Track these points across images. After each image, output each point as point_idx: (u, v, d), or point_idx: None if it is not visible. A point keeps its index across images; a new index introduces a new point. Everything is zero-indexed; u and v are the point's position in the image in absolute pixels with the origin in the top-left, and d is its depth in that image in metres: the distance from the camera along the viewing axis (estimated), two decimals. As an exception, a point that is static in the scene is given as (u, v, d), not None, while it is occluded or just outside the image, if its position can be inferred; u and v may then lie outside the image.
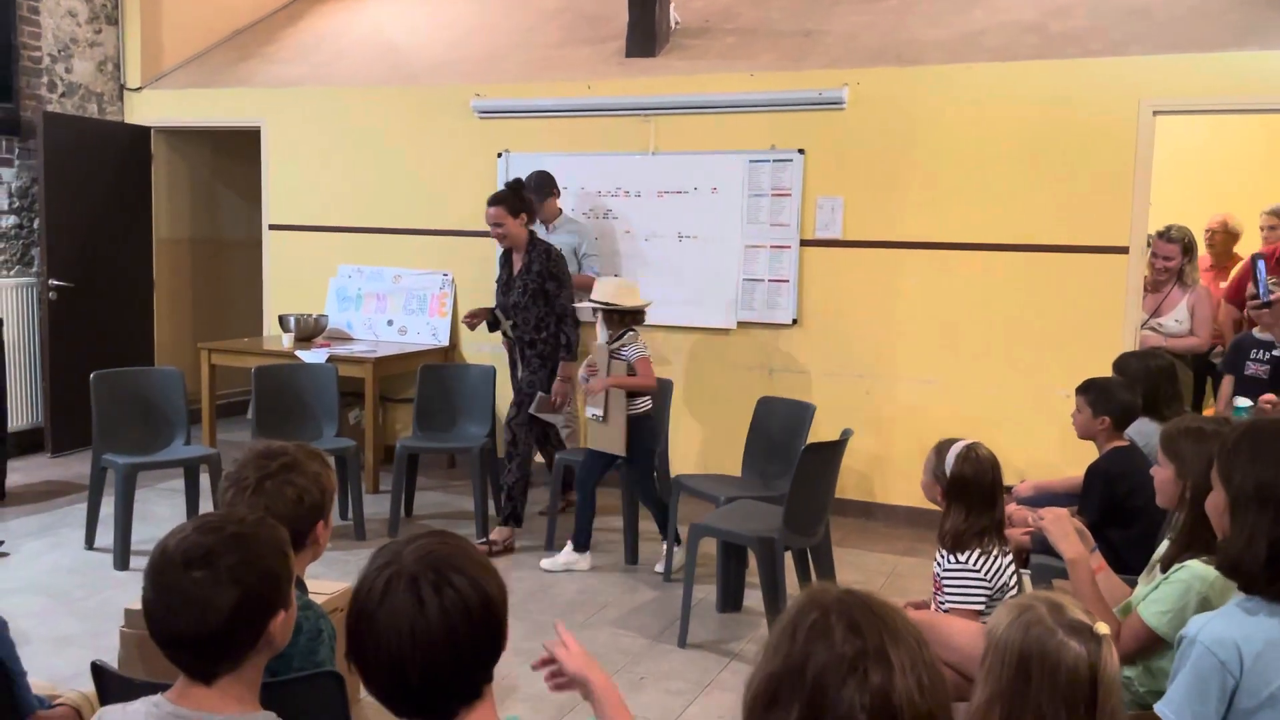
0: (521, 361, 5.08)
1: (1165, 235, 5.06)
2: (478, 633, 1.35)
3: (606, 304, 4.52)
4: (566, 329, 4.92)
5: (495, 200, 4.92)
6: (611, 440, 4.56)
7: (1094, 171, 5.06)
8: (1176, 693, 1.80)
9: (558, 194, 5.73)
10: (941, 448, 2.68)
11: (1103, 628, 1.49)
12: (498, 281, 5.16)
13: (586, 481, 4.67)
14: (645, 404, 4.62)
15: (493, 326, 5.26)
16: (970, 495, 2.61)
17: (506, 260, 5.09)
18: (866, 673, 1.12)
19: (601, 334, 4.70)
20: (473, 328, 5.25)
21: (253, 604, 1.51)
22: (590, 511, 4.69)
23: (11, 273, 6.45)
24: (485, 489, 5.18)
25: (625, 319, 4.57)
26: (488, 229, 6.25)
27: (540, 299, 4.90)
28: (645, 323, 4.73)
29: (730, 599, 4.25)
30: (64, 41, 6.69)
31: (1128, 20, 5.28)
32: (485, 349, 6.24)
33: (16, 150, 6.44)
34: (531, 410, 4.96)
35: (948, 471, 2.63)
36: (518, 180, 5.18)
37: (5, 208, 6.41)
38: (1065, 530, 2.44)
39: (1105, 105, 5.03)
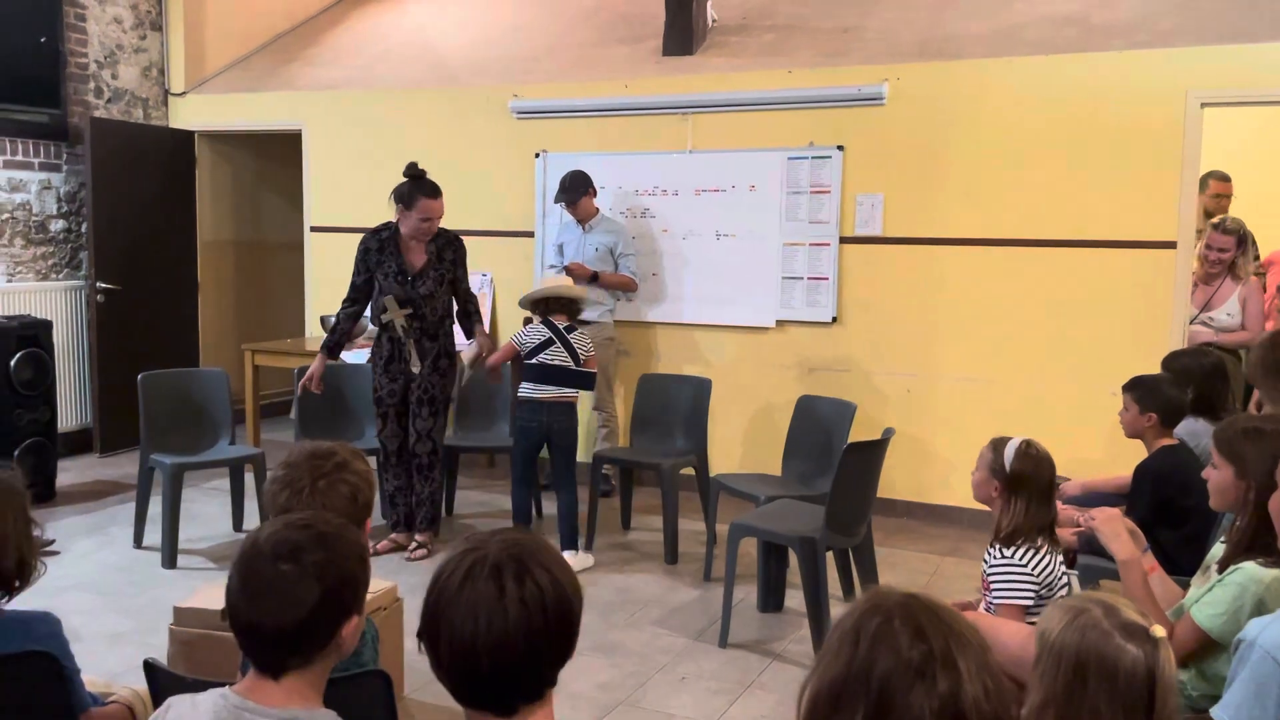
0: (417, 354, 4.71)
1: (1220, 226, 4.96)
2: (551, 630, 1.35)
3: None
4: (473, 306, 4.94)
5: (440, 193, 4.77)
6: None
7: (1140, 165, 4.98)
8: (1234, 697, 1.76)
9: (594, 193, 5.74)
10: (998, 444, 2.65)
11: (1159, 630, 1.47)
12: (385, 272, 4.72)
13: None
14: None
15: (374, 320, 4.85)
16: (1029, 491, 2.57)
17: (396, 249, 4.74)
18: (935, 678, 1.11)
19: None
20: (320, 391, 4.89)
21: (332, 603, 1.54)
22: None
23: (60, 276, 6.58)
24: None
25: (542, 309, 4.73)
26: (526, 230, 6.32)
27: (449, 288, 4.80)
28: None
29: (771, 599, 4.24)
30: (110, 48, 6.81)
31: (1173, 11, 5.19)
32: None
33: (65, 155, 6.56)
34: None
35: (1006, 467, 2.59)
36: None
37: (54, 212, 6.53)
38: (1117, 530, 2.40)
39: (1151, 98, 4.94)
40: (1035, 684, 1.48)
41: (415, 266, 4.72)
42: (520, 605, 1.33)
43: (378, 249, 4.76)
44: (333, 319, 4.96)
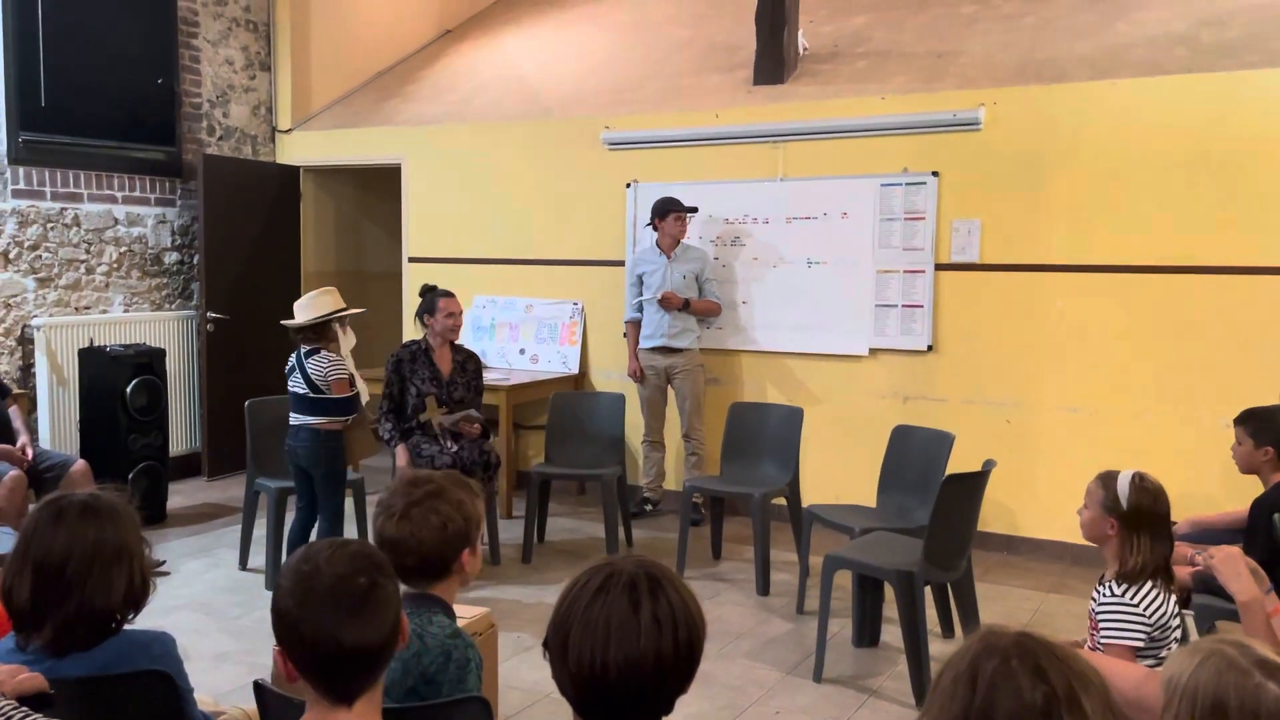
0: (450, 440, 4.95)
1: None
2: (679, 650, 1.36)
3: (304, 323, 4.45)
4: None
5: (453, 294, 5.10)
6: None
7: (1253, 190, 4.79)
8: None
9: (682, 218, 5.73)
10: (1107, 479, 2.53)
11: None
12: (421, 378, 4.99)
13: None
14: (337, 422, 4.53)
15: (416, 413, 5.02)
16: (1150, 525, 2.46)
17: (428, 360, 5.01)
18: None
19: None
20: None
21: (394, 630, 1.60)
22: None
23: (173, 306, 6.87)
24: (616, 515, 5.21)
25: (313, 335, 4.49)
26: (617, 259, 6.36)
27: (476, 396, 5.14)
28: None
29: (866, 634, 4.15)
30: (222, 88, 7.12)
31: (1289, 28, 4.99)
32: (614, 377, 6.30)
33: (179, 191, 6.87)
34: (456, 422, 4.96)
35: (1124, 503, 2.48)
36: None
37: (168, 245, 6.83)
38: (1238, 570, 2.29)
39: (1263, 119, 4.75)
40: (1168, 729, 1.41)
41: (445, 374, 5.05)
42: (653, 621, 1.35)
43: (410, 360, 5.04)
44: (382, 431, 5.02)
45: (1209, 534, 3.66)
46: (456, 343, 5.20)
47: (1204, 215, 4.88)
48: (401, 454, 4.92)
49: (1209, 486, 4.74)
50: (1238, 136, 4.81)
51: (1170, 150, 4.95)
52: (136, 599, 1.96)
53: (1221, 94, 4.85)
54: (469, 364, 5.21)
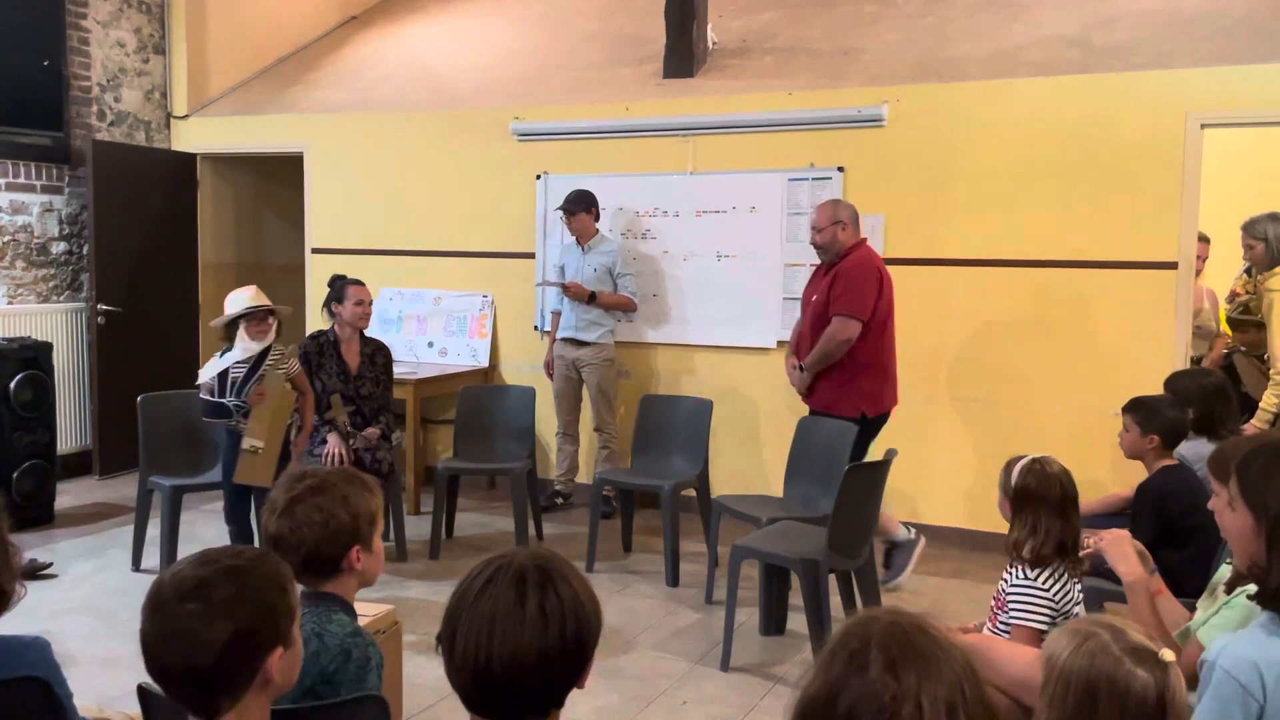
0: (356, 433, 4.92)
1: None
2: (567, 647, 1.34)
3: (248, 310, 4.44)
4: (389, 415, 5.15)
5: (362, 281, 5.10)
6: (265, 471, 4.37)
7: (1140, 186, 4.98)
8: (1200, 718, 1.73)
9: (596, 214, 5.75)
10: (1009, 464, 2.63)
11: (1168, 654, 1.45)
12: (328, 372, 4.93)
13: (244, 516, 4.51)
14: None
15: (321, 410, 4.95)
16: (1035, 509, 2.53)
17: (336, 353, 4.96)
18: (895, 716, 1.11)
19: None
20: None
21: (246, 639, 1.47)
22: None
23: (61, 298, 6.58)
24: (526, 510, 5.17)
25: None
26: (527, 251, 6.32)
27: (384, 391, 5.11)
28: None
29: (773, 622, 4.20)
30: (113, 71, 6.84)
31: (1172, 32, 5.21)
32: (525, 370, 6.26)
33: (67, 178, 6.58)
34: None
35: (1012, 484, 2.57)
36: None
37: (56, 234, 6.54)
38: (1125, 552, 2.38)
39: (1151, 119, 4.95)
40: (1043, 709, 1.46)
41: (353, 368, 4.98)
42: (539, 615, 1.33)
43: (317, 352, 4.95)
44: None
45: (1089, 518, 3.79)
46: (366, 334, 5.11)
47: (1095, 211, 5.07)
48: (332, 440, 4.82)
49: (1099, 473, 4.92)
50: (1126, 135, 5.00)
51: (1063, 147, 5.11)
52: None
53: (1111, 94, 5.03)
54: (378, 356, 5.13)
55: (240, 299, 4.50)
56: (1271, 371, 4.36)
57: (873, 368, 4.56)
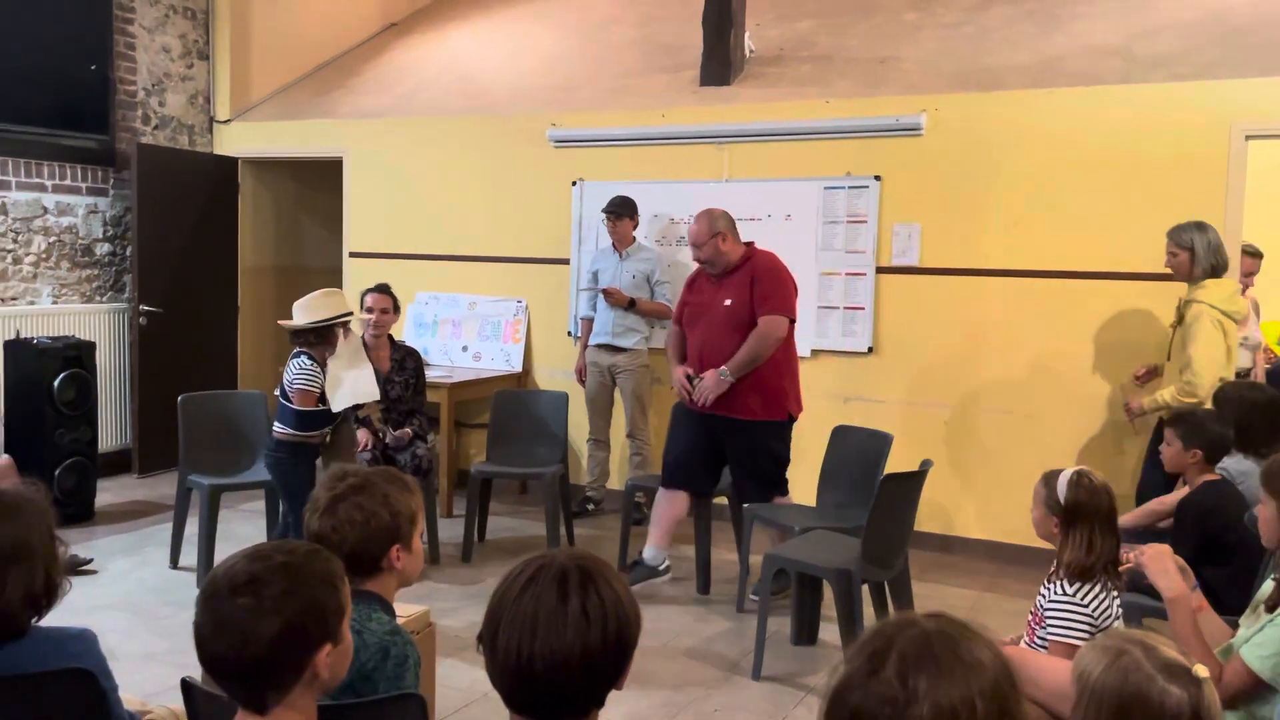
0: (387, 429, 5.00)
1: None
2: (609, 647, 1.35)
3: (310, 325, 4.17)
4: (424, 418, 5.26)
5: (384, 288, 5.19)
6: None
7: (1183, 198, 4.91)
8: None
9: (636, 222, 5.77)
10: (1049, 478, 2.57)
11: (1201, 670, 1.43)
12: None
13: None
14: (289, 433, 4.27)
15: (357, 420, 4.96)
16: (1088, 523, 2.48)
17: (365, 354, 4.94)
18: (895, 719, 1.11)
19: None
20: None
21: (295, 635, 1.50)
22: None
23: (104, 298, 6.69)
24: (558, 514, 5.18)
25: (314, 338, 4.22)
26: (562, 257, 6.34)
27: (415, 395, 5.22)
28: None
29: (805, 631, 4.18)
30: (158, 76, 6.96)
31: (1217, 43, 5.14)
32: (559, 375, 6.28)
33: (111, 180, 6.69)
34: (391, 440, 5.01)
35: (1060, 500, 2.52)
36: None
37: (100, 236, 6.66)
38: (1166, 566, 2.34)
39: (1194, 130, 4.89)
40: (1078, 727, 1.45)
41: (383, 371, 5.01)
42: (581, 614, 1.34)
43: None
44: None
45: (1125, 533, 3.74)
46: (397, 340, 5.15)
47: (1136, 223, 5.00)
48: (362, 435, 4.88)
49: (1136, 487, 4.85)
50: (1168, 146, 4.93)
51: (1104, 158, 5.06)
52: (38, 601, 1.88)
53: (1153, 104, 4.98)
54: (408, 361, 5.16)
55: (327, 304, 4.20)
56: (1182, 379, 4.29)
57: (790, 367, 4.58)
